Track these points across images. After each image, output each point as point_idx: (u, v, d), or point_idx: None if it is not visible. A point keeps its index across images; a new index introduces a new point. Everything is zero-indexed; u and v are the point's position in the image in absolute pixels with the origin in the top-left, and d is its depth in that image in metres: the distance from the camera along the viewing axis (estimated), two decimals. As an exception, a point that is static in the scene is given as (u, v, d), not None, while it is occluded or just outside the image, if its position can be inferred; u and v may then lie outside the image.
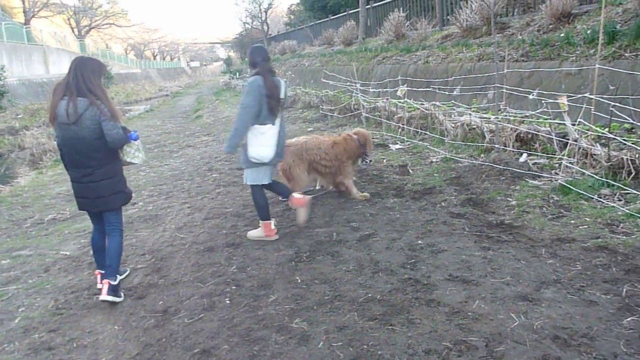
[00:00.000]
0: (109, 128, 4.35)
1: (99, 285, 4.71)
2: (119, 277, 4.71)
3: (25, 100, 27.07)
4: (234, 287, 4.66)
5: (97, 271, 4.88)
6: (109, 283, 4.50)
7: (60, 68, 39.10)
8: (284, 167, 6.68)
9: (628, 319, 3.56)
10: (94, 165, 4.49)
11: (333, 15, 29.01)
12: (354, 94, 13.45)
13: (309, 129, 13.54)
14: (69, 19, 59.40)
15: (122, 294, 4.64)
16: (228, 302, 4.40)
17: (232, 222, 6.50)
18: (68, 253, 5.96)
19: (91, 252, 5.10)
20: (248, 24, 56.81)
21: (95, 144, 4.42)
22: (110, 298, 4.47)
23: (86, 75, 4.39)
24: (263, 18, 51.38)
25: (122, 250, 4.78)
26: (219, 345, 3.74)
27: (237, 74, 36.51)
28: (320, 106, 15.77)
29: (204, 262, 5.31)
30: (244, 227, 6.28)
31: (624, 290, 3.94)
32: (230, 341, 3.77)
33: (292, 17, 47.27)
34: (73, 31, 59.30)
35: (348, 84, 14.01)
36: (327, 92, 16.39)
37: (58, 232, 6.81)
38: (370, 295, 4.26)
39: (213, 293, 4.58)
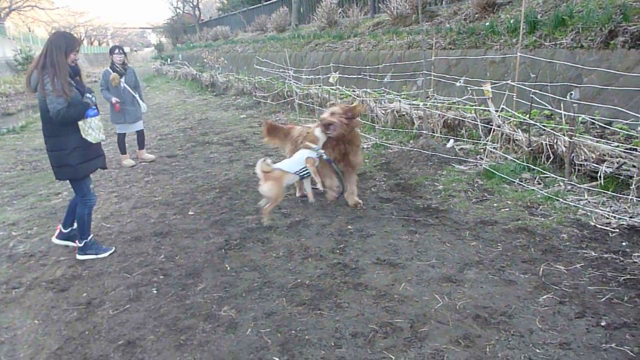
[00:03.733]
0: (49, 102, 4.56)
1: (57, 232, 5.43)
2: (101, 255, 5.11)
3: (-61, 85, 25.53)
4: (161, 277, 4.57)
5: (59, 225, 5.46)
6: (77, 244, 5.15)
7: (-24, 50, 37.09)
8: None
9: (544, 297, 3.72)
10: (47, 135, 4.87)
11: (266, 1, 28.78)
12: (287, 81, 13.41)
13: (242, 116, 13.43)
14: (-13, 0, 56.31)
15: (99, 251, 5.14)
16: (155, 292, 4.31)
17: (161, 211, 6.37)
18: (-14, 246, 5.68)
19: (10, 244, 5.20)
20: (180, 8, 55.55)
21: (46, 116, 4.71)
22: (78, 256, 5.10)
23: (49, 51, 4.61)
24: (195, 3, 50.34)
25: (84, 220, 5.07)
26: (145, 335, 3.67)
27: (169, 59, 35.67)
28: (254, 93, 15.66)
29: (131, 251, 5.19)
30: (172, 215, 6.17)
31: (541, 269, 4.12)
32: (157, 331, 3.71)
33: (225, 2, 46.48)
34: (-8, 13, 56.28)
35: (281, 70, 13.96)
36: (260, 78, 16.29)
37: (-25, 224, 6.48)
38: (299, 280, 4.28)
39: (140, 283, 4.48)
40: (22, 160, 10.36)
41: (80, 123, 4.78)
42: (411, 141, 8.13)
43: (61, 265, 5.00)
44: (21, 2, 61.67)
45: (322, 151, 5.68)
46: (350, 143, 5.78)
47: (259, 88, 15.67)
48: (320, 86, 11.76)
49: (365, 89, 10.33)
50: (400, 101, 9.00)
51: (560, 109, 6.30)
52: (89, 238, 5.13)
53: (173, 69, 30.35)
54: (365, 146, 8.52)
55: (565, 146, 5.92)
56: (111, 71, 8.58)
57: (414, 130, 8.34)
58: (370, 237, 5.05)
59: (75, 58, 4.80)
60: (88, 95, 4.84)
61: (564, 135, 5.96)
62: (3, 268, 5.05)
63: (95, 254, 5.09)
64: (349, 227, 5.36)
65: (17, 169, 9.58)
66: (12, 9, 60.30)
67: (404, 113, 8.88)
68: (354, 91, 10.38)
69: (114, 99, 8.41)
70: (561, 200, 5.37)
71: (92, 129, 4.84)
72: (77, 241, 5.16)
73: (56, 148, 4.82)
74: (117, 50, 8.79)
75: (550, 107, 6.62)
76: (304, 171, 5.66)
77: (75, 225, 5.26)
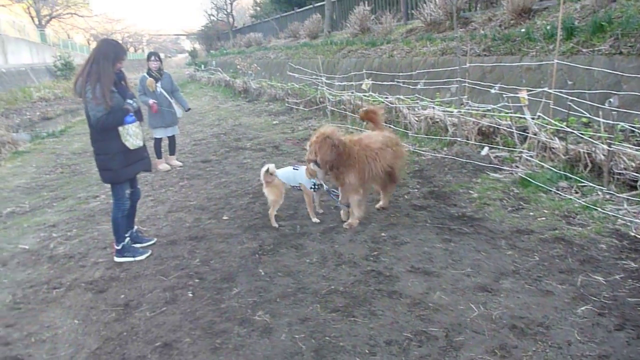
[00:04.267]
0: (90, 109, 4.74)
1: None
2: (137, 258, 5.23)
3: (-18, 91, 26.30)
4: (196, 280, 4.63)
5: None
6: (114, 246, 5.26)
7: (20, 58, 38.06)
8: None
9: (582, 308, 3.66)
10: (93, 139, 5.00)
11: (299, 8, 28.96)
12: (319, 87, 13.45)
13: (274, 122, 13.52)
14: (28, 8, 57.69)
15: (136, 254, 5.27)
16: (191, 295, 4.37)
17: (196, 215, 6.45)
18: (27, 247, 5.83)
19: (51, 246, 5.40)
20: (214, 16, 56.26)
21: (90, 122, 4.85)
22: (115, 258, 5.23)
23: (96, 59, 4.76)
24: (229, 10, 50.94)
25: (118, 224, 5.18)
26: (181, 338, 3.72)
27: (203, 66, 36.09)
28: (286, 99, 15.75)
29: (167, 255, 5.27)
30: (207, 220, 6.24)
31: (579, 280, 4.06)
32: (192, 334, 3.76)
33: (258, 9, 46.89)
34: (33, 20, 57.62)
35: (313, 77, 14.01)
36: (292, 85, 16.38)
37: (17, 225, 6.65)
38: (333, 287, 4.29)
39: (175, 286, 4.55)
40: (61, 163, 10.60)
41: (119, 129, 4.89)
42: (445, 148, 8.08)
43: (99, 267, 5.10)
44: (61, 10, 63.24)
45: (319, 182, 5.78)
46: (343, 165, 5.50)
47: (292, 94, 15.76)
48: (352, 93, 11.76)
49: (398, 96, 10.30)
50: (433, 108, 8.95)
51: (599, 117, 6.19)
52: (126, 241, 5.23)
53: (206, 75, 30.69)
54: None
55: (603, 154, 5.82)
56: (148, 77, 8.76)
57: (448, 138, 8.28)
58: (404, 244, 5.03)
59: (120, 66, 4.93)
60: (129, 101, 4.96)
61: (603, 144, 5.86)
62: (44, 268, 5.18)
63: (133, 257, 5.19)
64: (383, 234, 5.35)
65: (56, 172, 9.81)
66: (52, 16, 61.89)
67: (437, 120, 8.83)
68: (386, 98, 10.36)
69: (151, 101, 8.56)
70: (599, 209, 5.27)
71: (130, 135, 4.95)
72: (114, 244, 5.25)
73: (101, 152, 4.97)
74: (153, 57, 8.97)
75: (588, 115, 6.51)
76: (298, 188, 5.92)
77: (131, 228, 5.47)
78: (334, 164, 5.45)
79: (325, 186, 5.82)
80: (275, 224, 5.82)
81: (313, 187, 5.79)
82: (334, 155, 5.38)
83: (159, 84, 8.81)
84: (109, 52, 4.81)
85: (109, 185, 5.32)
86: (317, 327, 3.70)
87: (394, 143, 5.81)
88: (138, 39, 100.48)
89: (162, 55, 9.65)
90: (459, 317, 3.68)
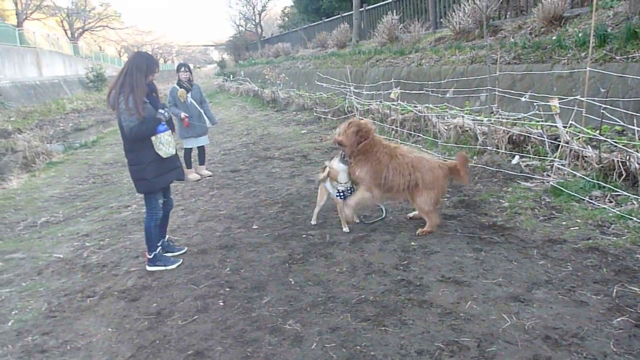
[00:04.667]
0: (123, 120, 4.85)
1: None
2: (169, 267, 5.29)
3: (18, 102, 26.99)
4: (227, 289, 4.67)
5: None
6: (145, 255, 5.34)
7: (54, 70, 38.95)
8: None
9: (618, 319, 3.59)
10: (126, 150, 5.11)
11: (327, 18, 29.07)
12: (347, 97, 13.48)
13: (302, 131, 13.58)
14: (62, 21, 59.17)
15: (168, 263, 5.33)
16: (222, 303, 4.41)
17: (226, 225, 6.51)
18: (61, 256, 5.95)
19: (84, 255, 5.50)
20: (242, 26, 56.88)
21: (123, 133, 4.96)
22: (147, 267, 5.30)
23: (129, 71, 4.88)
24: (257, 20, 51.44)
25: (151, 233, 5.26)
26: (213, 346, 3.75)
27: (231, 76, 36.47)
28: (314, 108, 15.81)
29: (198, 264, 5.32)
30: (237, 229, 6.29)
31: (614, 290, 3.98)
32: (224, 343, 3.78)
33: (286, 19, 47.28)
34: (66, 33, 59.07)
35: (342, 86, 14.06)
36: (320, 94, 16.43)
37: (51, 234, 6.80)
38: (363, 296, 4.28)
39: (206, 295, 4.59)
40: (93, 174, 10.80)
41: (152, 138, 4.98)
42: (475, 157, 8.02)
43: (132, 276, 5.18)
44: (94, 22, 64.64)
45: (343, 187, 5.77)
46: (362, 154, 5.56)
47: (320, 104, 15.81)
48: (381, 102, 11.77)
49: (427, 105, 10.27)
50: (463, 117, 8.90)
51: (633, 125, 6.08)
52: (158, 250, 5.30)
53: (235, 85, 30.97)
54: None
55: (638, 163, 5.71)
56: (178, 88, 8.89)
57: (478, 146, 8.22)
58: (434, 254, 5.00)
59: (152, 79, 5.04)
60: (161, 111, 5.04)
61: (638, 152, 5.76)
62: (78, 277, 5.28)
63: (164, 266, 5.25)
64: (412, 243, 5.32)
65: (89, 182, 10.00)
66: (85, 29, 63.30)
67: (467, 129, 8.77)
68: (415, 107, 10.33)
69: (182, 114, 8.67)
70: (635, 219, 5.16)
71: (162, 144, 5.03)
72: (146, 253, 5.33)
73: (134, 162, 5.06)
74: (183, 68, 9.11)
75: (622, 123, 6.41)
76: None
77: (164, 238, 5.59)
78: (354, 149, 5.54)
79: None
80: (351, 223, 6.01)
81: (338, 194, 5.78)
82: (356, 140, 5.51)
83: (189, 95, 8.93)
84: (142, 64, 4.92)
85: (140, 195, 5.43)
86: (347, 337, 3.70)
87: (431, 167, 5.56)
88: (168, 50, 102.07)
89: (191, 66, 9.79)
90: (490, 327, 3.64)
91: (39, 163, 12.98)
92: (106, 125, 22.39)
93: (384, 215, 6.20)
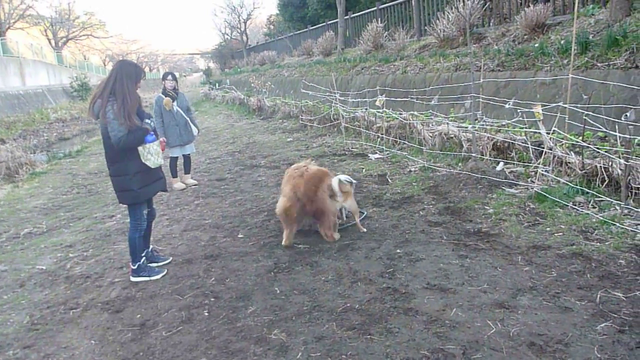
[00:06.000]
0: (110, 129, 4.72)
1: None
2: (153, 278, 5.21)
3: (1, 112, 26.78)
4: (212, 299, 4.63)
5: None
6: (130, 265, 5.28)
7: (37, 80, 38.66)
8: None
9: (602, 325, 3.61)
10: (109, 160, 5.02)
11: (312, 26, 29.16)
12: (333, 104, 13.50)
13: (288, 139, 13.57)
14: (45, 31, 58.76)
15: (152, 273, 5.26)
16: (206, 314, 4.37)
17: (211, 234, 6.47)
18: (44, 267, 5.88)
19: (67, 266, 5.47)
20: (227, 34, 56.91)
21: (108, 142, 4.86)
22: (131, 278, 5.23)
23: (119, 78, 4.79)
24: (242, 29, 51.48)
25: (135, 244, 5.20)
26: (197, 357, 3.71)
27: (217, 84, 36.42)
28: (300, 116, 15.82)
29: (182, 274, 5.28)
30: (222, 238, 6.26)
31: (598, 296, 4.00)
32: (209, 354, 3.75)
33: (272, 27, 47.39)
34: (50, 43, 58.66)
35: (327, 94, 14.07)
36: (306, 102, 16.46)
37: (34, 246, 6.72)
38: (348, 305, 4.27)
39: (191, 305, 4.55)
40: (77, 183, 10.71)
41: (139, 148, 4.93)
42: (460, 164, 8.06)
43: (116, 287, 5.12)
44: (78, 31, 64.30)
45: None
46: None
47: (306, 111, 15.82)
48: (366, 109, 11.80)
49: (412, 112, 10.31)
50: (448, 124, 8.95)
51: (615, 131, 6.14)
52: (142, 261, 5.25)
53: (221, 94, 30.93)
54: (412, 169, 8.48)
55: (621, 169, 5.77)
56: (164, 96, 8.86)
57: (463, 153, 8.26)
58: (419, 261, 5.01)
59: (139, 87, 4.98)
60: (147, 121, 5.01)
61: (620, 158, 5.81)
62: (61, 289, 5.21)
63: (149, 277, 5.20)
64: (398, 250, 5.32)
65: (73, 192, 9.91)
66: (69, 38, 62.95)
67: (452, 136, 8.81)
68: (400, 114, 10.37)
69: (162, 138, 8.61)
70: (618, 224, 5.21)
71: (151, 154, 4.99)
72: (130, 264, 5.27)
73: (119, 173, 4.98)
74: (169, 77, 9.07)
75: (604, 129, 6.47)
76: None
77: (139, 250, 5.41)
78: None
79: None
80: (363, 229, 5.99)
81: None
82: None
83: (175, 103, 8.90)
84: (131, 72, 4.88)
85: (124, 206, 5.36)
86: (333, 346, 3.68)
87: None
88: (153, 59, 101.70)
89: (177, 75, 9.75)
90: (476, 335, 3.64)
91: (22, 173, 12.83)
92: (91, 134, 22.24)
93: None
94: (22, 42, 42.28)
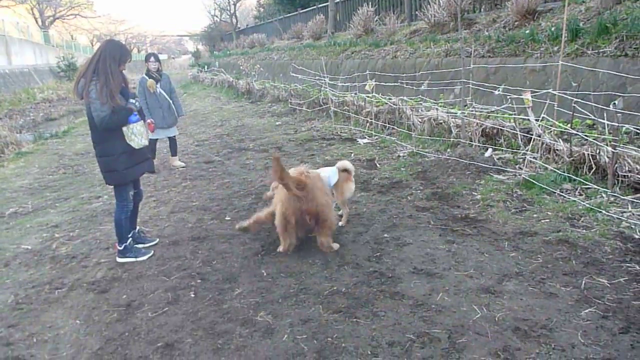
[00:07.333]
0: (93, 109, 4.67)
1: None
2: (140, 259, 5.20)
3: (-14, 91, 26.39)
4: (199, 281, 4.62)
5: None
6: (116, 246, 5.25)
7: (24, 59, 38.14)
8: None
9: (586, 311, 3.64)
10: (95, 141, 4.95)
11: (302, 9, 28.98)
12: (322, 88, 13.45)
13: (277, 123, 13.51)
14: (32, 9, 57.88)
15: (139, 254, 5.24)
16: (193, 295, 4.36)
17: (198, 216, 6.44)
18: (29, 247, 5.83)
19: (53, 246, 5.47)
20: (217, 16, 56.39)
21: (93, 123, 4.80)
22: (118, 259, 5.19)
23: (102, 58, 4.72)
24: (232, 11, 50.99)
25: (121, 225, 5.16)
26: (183, 338, 3.70)
27: (206, 67, 36.12)
28: (289, 100, 15.74)
29: (169, 255, 5.26)
30: (209, 220, 6.23)
31: (583, 282, 4.03)
32: (194, 335, 3.74)
33: (262, 10, 46.98)
34: (37, 21, 57.83)
35: (317, 78, 14.01)
36: (295, 86, 16.37)
37: (19, 226, 6.65)
38: (335, 288, 4.27)
39: (177, 287, 4.53)
40: (64, 164, 10.60)
41: (123, 129, 4.87)
42: (448, 150, 8.06)
43: (102, 268, 5.09)
44: (65, 11, 63.43)
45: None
46: None
47: (295, 95, 15.75)
48: (356, 94, 11.77)
49: (401, 97, 10.29)
50: (437, 109, 8.94)
51: (604, 119, 6.16)
52: (128, 242, 5.22)
53: (210, 76, 30.67)
54: (401, 154, 8.48)
55: (608, 157, 5.80)
56: (147, 78, 8.77)
57: (452, 139, 8.26)
58: (406, 246, 5.01)
59: (124, 68, 4.91)
60: (132, 101, 4.95)
61: (607, 146, 5.84)
62: (46, 269, 5.17)
63: (135, 258, 5.17)
64: (385, 235, 5.33)
65: (59, 172, 9.82)
66: (56, 17, 62.12)
67: (441, 121, 8.81)
68: (390, 99, 10.34)
69: (149, 120, 8.54)
70: (604, 212, 5.24)
71: (135, 135, 4.93)
72: (116, 244, 5.25)
73: (104, 154, 4.93)
74: (152, 58, 8.99)
75: (592, 117, 6.49)
76: None
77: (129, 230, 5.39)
78: None
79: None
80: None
81: None
82: None
83: (158, 85, 8.83)
84: (116, 52, 4.80)
85: (111, 187, 5.31)
86: (319, 328, 3.68)
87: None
88: (141, 40, 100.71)
89: (165, 56, 9.67)
90: (461, 319, 3.66)
91: (7, 153, 12.69)
92: (78, 115, 21.98)
93: None
94: (8, 21, 41.57)
